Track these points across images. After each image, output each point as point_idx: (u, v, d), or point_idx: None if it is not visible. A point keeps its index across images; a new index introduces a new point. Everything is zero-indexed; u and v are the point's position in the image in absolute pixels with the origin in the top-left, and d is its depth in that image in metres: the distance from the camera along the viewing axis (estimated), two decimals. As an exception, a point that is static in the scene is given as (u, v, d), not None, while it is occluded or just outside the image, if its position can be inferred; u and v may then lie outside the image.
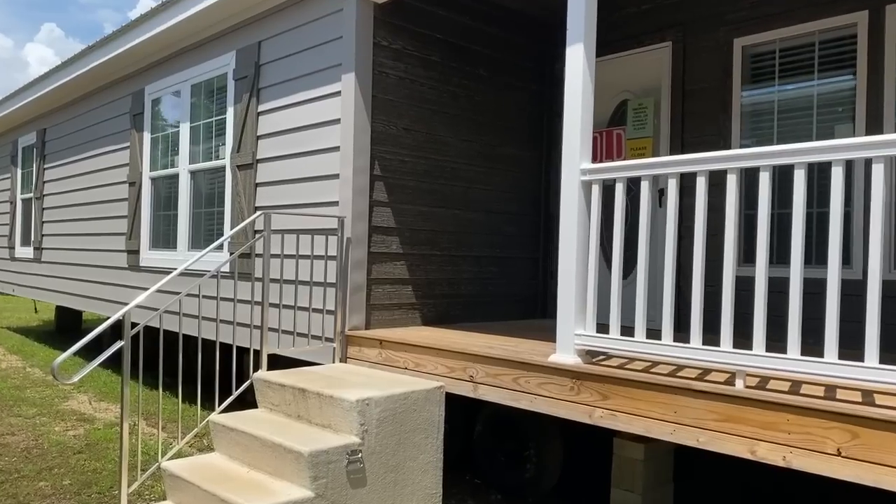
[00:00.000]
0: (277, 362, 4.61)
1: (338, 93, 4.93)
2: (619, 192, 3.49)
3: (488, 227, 5.79)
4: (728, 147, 5.08)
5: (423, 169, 5.24)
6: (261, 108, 5.71)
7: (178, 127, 6.88)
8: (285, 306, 4.88)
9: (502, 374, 3.79)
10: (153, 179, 7.35)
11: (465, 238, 5.59)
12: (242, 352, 5.65)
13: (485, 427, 4.88)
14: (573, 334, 3.53)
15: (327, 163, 5.01)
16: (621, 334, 3.48)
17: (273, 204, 5.54)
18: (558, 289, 3.62)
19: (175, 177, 6.92)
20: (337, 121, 4.93)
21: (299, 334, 4.85)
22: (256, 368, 4.42)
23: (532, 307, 6.18)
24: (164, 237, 7.13)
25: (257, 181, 5.72)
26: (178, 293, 4.31)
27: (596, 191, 3.56)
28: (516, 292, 6.05)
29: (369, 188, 4.92)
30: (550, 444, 4.60)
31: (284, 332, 4.84)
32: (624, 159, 5.73)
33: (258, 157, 5.72)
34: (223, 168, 6.18)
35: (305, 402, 3.91)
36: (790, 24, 4.82)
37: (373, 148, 4.92)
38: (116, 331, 3.79)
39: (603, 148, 5.88)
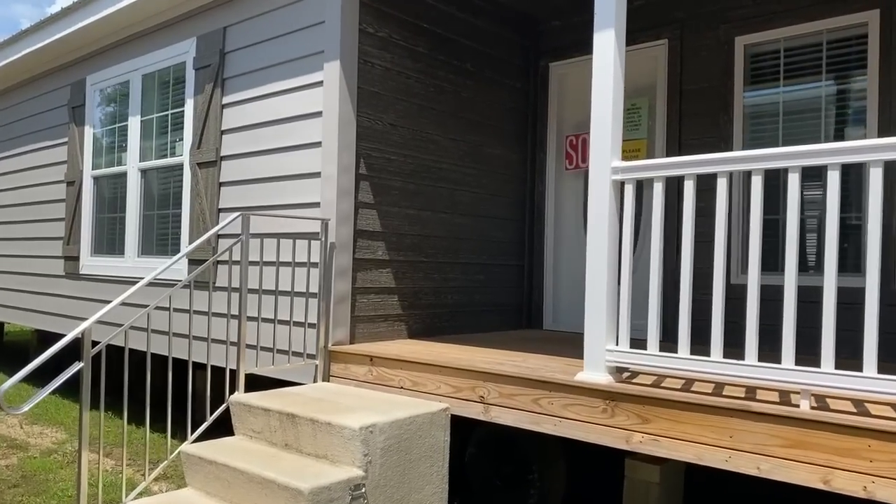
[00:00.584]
0: (253, 383, 4.11)
1: (319, 83, 4.47)
2: (658, 191, 3.17)
3: (475, 233, 5.42)
4: (730, 149, 4.86)
5: (409, 169, 4.83)
6: (226, 99, 5.18)
7: (126, 121, 6.25)
8: (264, 320, 4.38)
9: (519, 394, 3.41)
10: (96, 178, 6.67)
11: (451, 244, 5.20)
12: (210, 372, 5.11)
13: (479, 449, 4.48)
14: (604, 350, 3.19)
15: (307, 160, 4.53)
16: (633, 347, 3.16)
17: (240, 205, 5.02)
18: (586, 300, 3.27)
19: (122, 176, 6.28)
20: (318, 114, 4.47)
21: (278, 351, 4.36)
22: (232, 390, 3.91)
23: (517, 317, 5.83)
24: (109, 242, 6.47)
25: (221, 180, 5.19)
26: (142, 306, 3.76)
27: (630, 191, 3.23)
28: (502, 301, 5.69)
29: (355, 188, 4.47)
30: (554, 467, 4.25)
31: (263, 348, 4.34)
32: (616, 162, 5.45)
33: (223, 153, 5.18)
34: (180, 166, 5.60)
35: (295, 429, 3.43)
36: (795, 23, 4.64)
37: (358, 144, 4.48)
38: (72, 350, 3.23)
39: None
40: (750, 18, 4.84)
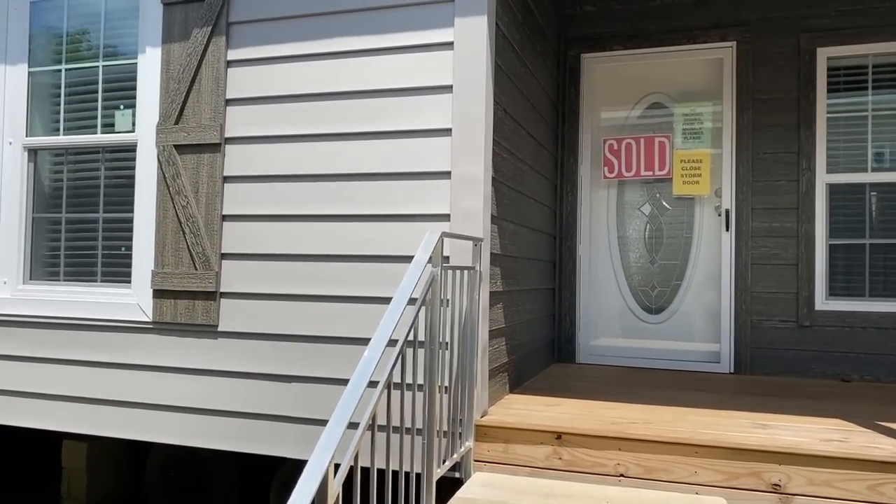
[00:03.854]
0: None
1: (446, 45, 3.15)
2: None
3: (537, 251, 4.42)
4: (812, 167, 4.56)
5: (511, 170, 3.69)
6: (234, 54, 3.50)
7: (-8, 70, 4.03)
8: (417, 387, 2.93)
9: (844, 479, 2.61)
10: (-89, 156, 4.24)
11: (527, 266, 4.14)
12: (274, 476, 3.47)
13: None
14: (976, 419, 2.54)
15: (421, 152, 3.18)
16: None
17: (264, 213, 3.41)
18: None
19: (-15, 155, 4.04)
20: (444, 88, 3.15)
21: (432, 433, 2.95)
22: (418, 512, 2.49)
23: (549, 351, 4.92)
24: (-51, 258, 4.13)
25: (227, 173, 3.49)
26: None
27: None
28: (545, 333, 4.74)
29: (492, 196, 3.25)
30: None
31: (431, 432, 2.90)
32: (669, 173, 4.86)
33: (229, 134, 3.49)
34: (129, 147, 3.72)
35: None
36: (886, 41, 4.47)
37: (494, 136, 3.26)
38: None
39: (641, 157, 4.92)
40: (833, 30, 4.57)
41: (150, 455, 4.25)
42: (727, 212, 4.72)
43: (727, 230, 4.72)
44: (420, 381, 2.63)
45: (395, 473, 3.29)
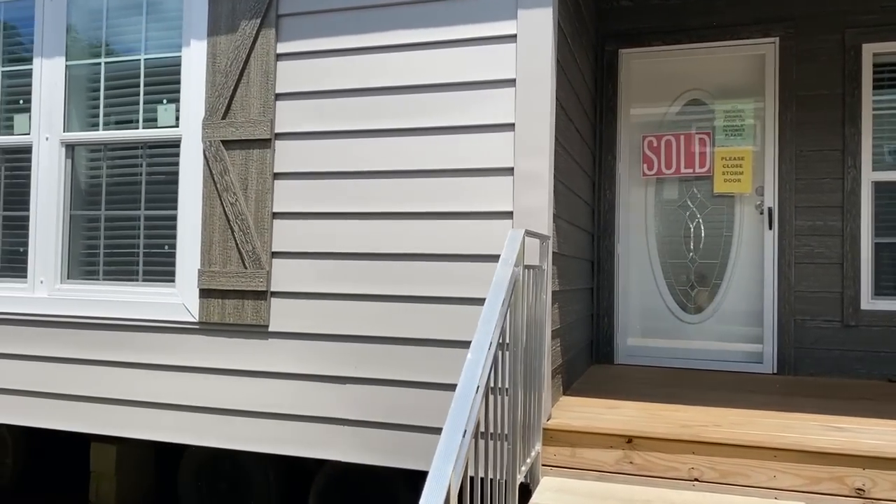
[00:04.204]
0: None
1: (508, 37, 3.07)
2: None
3: (583, 249, 4.34)
4: (858, 164, 4.49)
5: (564, 165, 3.60)
6: (284, 48, 3.40)
7: (27, 63, 3.92)
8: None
9: (932, 484, 2.54)
10: (-59, 152, 4.13)
11: (574, 266, 4.06)
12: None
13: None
14: None
15: (482, 148, 3.09)
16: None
17: (315, 210, 3.32)
18: None
19: (21, 151, 3.93)
20: (505, 82, 3.07)
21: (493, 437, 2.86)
22: (502, 520, 2.40)
23: (589, 352, 4.84)
24: (-18, 256, 4.03)
25: (277, 170, 3.40)
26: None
27: None
28: (587, 334, 4.67)
29: (554, 194, 3.16)
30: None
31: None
32: (710, 171, 4.79)
33: (279, 129, 3.40)
34: (172, 143, 3.61)
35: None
36: (933, 36, 4.42)
37: (555, 131, 3.18)
38: None
39: (681, 155, 4.85)
40: (879, 26, 4.51)
41: (184, 457, 4.15)
42: (770, 210, 4.65)
43: (770, 228, 4.65)
44: (507, 384, 2.55)
45: (477, 479, 3.21)
